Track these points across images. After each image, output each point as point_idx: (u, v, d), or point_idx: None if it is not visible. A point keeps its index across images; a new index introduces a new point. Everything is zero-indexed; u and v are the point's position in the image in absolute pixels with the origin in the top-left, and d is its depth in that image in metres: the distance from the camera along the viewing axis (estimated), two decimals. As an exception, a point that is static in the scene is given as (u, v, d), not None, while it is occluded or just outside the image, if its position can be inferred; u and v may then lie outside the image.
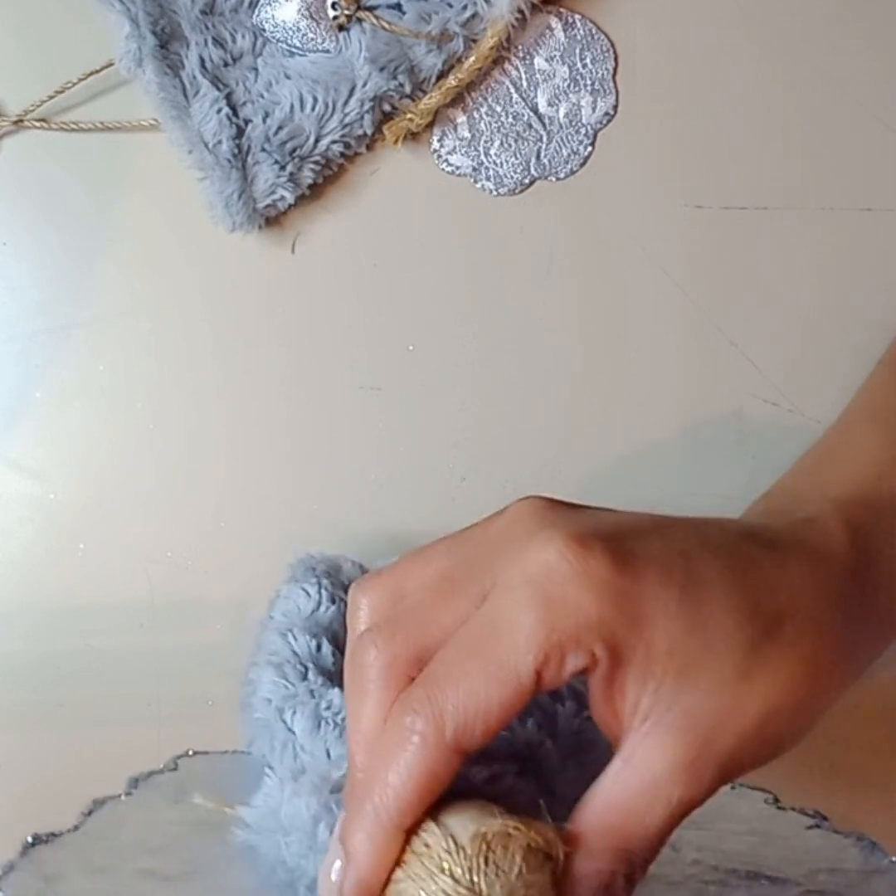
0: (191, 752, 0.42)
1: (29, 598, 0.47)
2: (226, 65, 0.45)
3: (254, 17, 0.45)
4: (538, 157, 0.47)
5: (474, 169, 0.47)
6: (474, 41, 0.45)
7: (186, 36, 0.45)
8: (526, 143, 0.47)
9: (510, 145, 0.47)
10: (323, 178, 0.46)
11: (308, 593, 0.41)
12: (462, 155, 0.47)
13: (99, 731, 0.46)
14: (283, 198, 0.45)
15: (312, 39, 0.45)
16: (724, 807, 0.36)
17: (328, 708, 0.37)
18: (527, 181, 0.47)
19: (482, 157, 0.47)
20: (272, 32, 0.45)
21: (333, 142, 0.45)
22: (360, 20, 0.45)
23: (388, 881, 0.29)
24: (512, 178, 0.47)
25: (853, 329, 0.47)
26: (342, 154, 0.46)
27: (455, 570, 0.31)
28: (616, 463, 0.47)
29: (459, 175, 0.47)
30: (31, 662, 0.47)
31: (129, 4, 0.44)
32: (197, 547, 0.47)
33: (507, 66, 0.47)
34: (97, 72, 0.46)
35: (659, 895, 0.31)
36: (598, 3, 0.47)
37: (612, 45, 0.47)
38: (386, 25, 0.44)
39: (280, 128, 0.45)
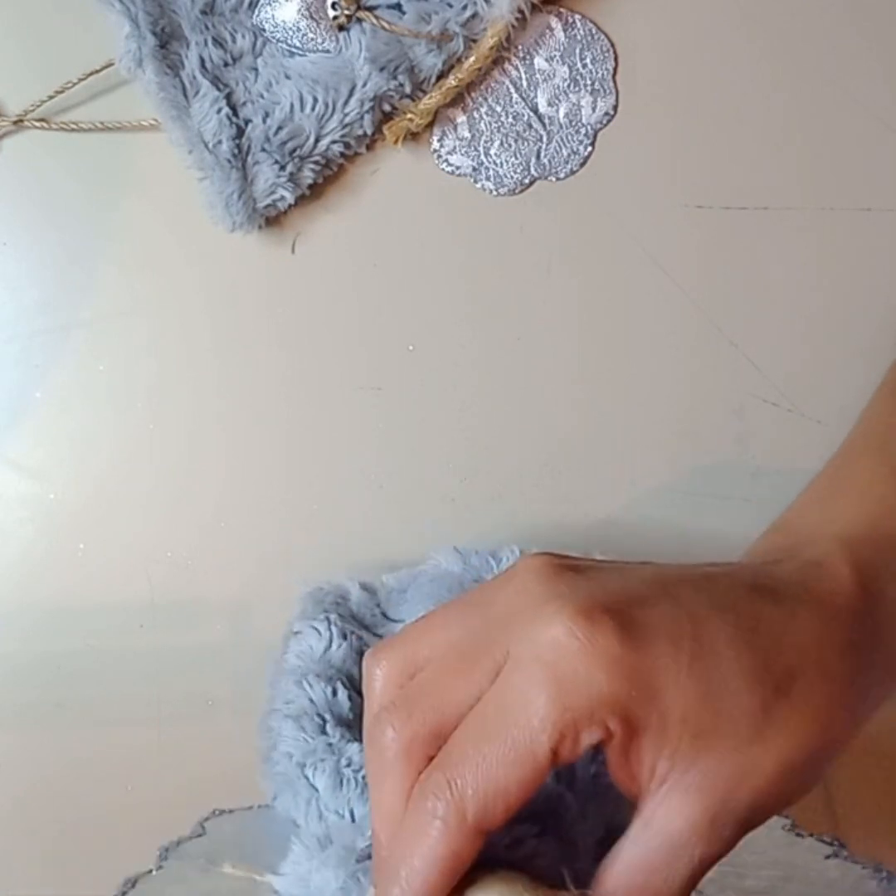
0: (217, 813, 0.42)
1: (29, 598, 0.47)
2: (226, 65, 0.45)
3: (254, 17, 0.45)
4: (538, 157, 0.47)
5: (474, 169, 0.47)
6: (474, 41, 0.45)
7: (186, 36, 0.45)
8: (526, 143, 0.47)
9: (510, 145, 0.47)
10: (323, 178, 0.46)
11: (319, 632, 0.41)
12: (462, 155, 0.47)
13: (99, 731, 0.46)
14: (283, 198, 0.45)
15: (312, 39, 0.45)
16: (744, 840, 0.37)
17: (349, 765, 0.38)
18: (527, 181, 0.47)
19: (482, 157, 0.47)
20: (272, 32, 0.45)
21: (333, 142, 0.45)
22: (360, 20, 0.45)
23: None
24: (512, 178, 0.47)
25: (853, 329, 0.47)
26: (342, 154, 0.46)
27: (466, 642, 0.31)
28: (616, 463, 0.47)
29: (459, 175, 0.47)
30: (31, 662, 0.47)
31: (129, 4, 0.44)
32: (197, 547, 0.47)
33: (507, 66, 0.47)
34: (97, 72, 0.46)
35: None
36: (598, 3, 0.47)
37: (612, 45, 0.47)
38: (386, 25, 0.44)
39: (280, 128, 0.45)
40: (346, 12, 0.44)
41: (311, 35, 0.45)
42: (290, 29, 0.45)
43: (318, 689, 0.40)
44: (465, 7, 0.45)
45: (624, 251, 0.47)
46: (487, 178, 0.47)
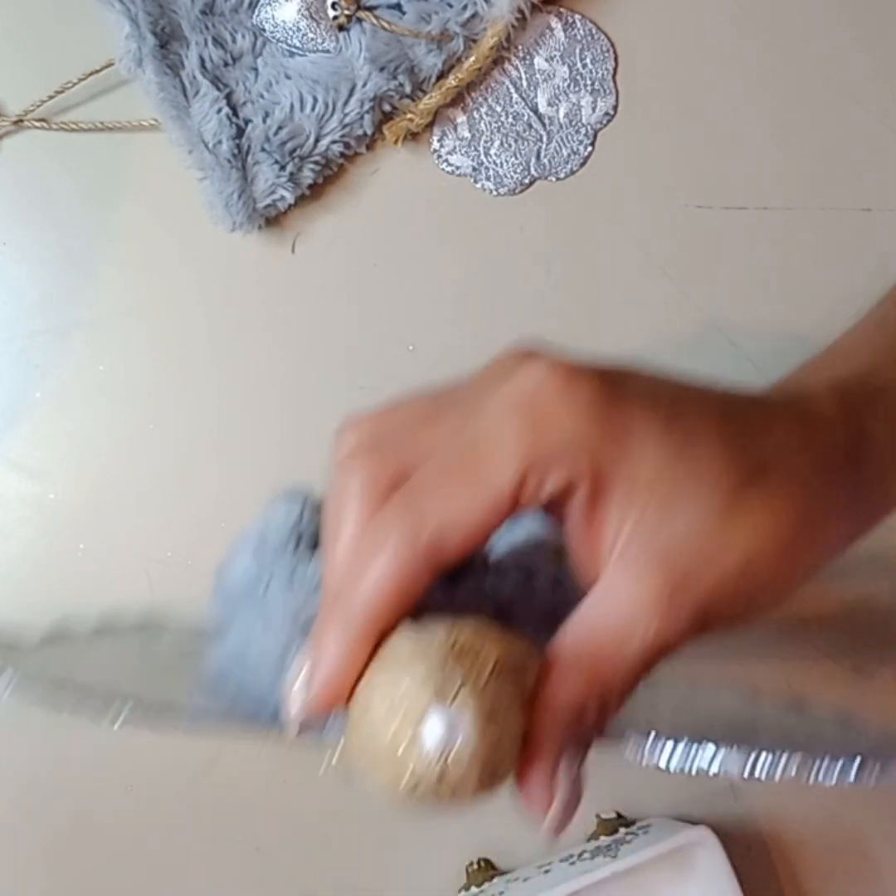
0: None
1: (29, 598, 0.47)
2: (226, 65, 0.45)
3: (254, 17, 0.45)
4: (538, 157, 0.47)
5: (474, 169, 0.47)
6: (474, 41, 0.46)
7: (186, 36, 0.45)
8: (526, 143, 0.47)
9: (510, 145, 0.47)
10: (323, 178, 0.46)
11: (288, 507, 0.39)
12: (462, 155, 0.47)
13: (99, 730, 0.46)
14: (283, 198, 0.45)
15: (312, 39, 0.45)
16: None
17: (304, 575, 0.35)
18: (527, 181, 0.47)
19: (482, 157, 0.47)
20: (272, 32, 0.45)
21: (333, 142, 0.45)
22: (360, 20, 0.45)
23: (356, 686, 0.28)
24: (512, 178, 0.47)
25: (853, 329, 0.47)
26: (342, 154, 0.46)
27: (440, 402, 0.31)
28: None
29: (459, 175, 0.47)
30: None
31: (129, 4, 0.44)
32: (197, 547, 0.47)
33: (507, 66, 0.47)
34: (97, 72, 0.46)
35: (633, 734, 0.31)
36: (598, 3, 0.47)
37: (612, 45, 0.47)
38: (386, 25, 0.44)
39: (280, 128, 0.45)
40: (346, 12, 0.44)
41: (311, 35, 0.45)
42: (290, 29, 0.45)
43: (276, 538, 0.38)
44: (465, 7, 0.45)
45: (624, 251, 0.47)
46: (487, 178, 0.47)
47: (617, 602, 0.28)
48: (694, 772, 0.29)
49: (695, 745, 0.29)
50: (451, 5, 0.45)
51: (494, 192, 0.47)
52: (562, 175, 0.47)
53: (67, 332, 0.47)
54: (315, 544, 0.36)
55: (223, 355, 0.47)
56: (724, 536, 0.28)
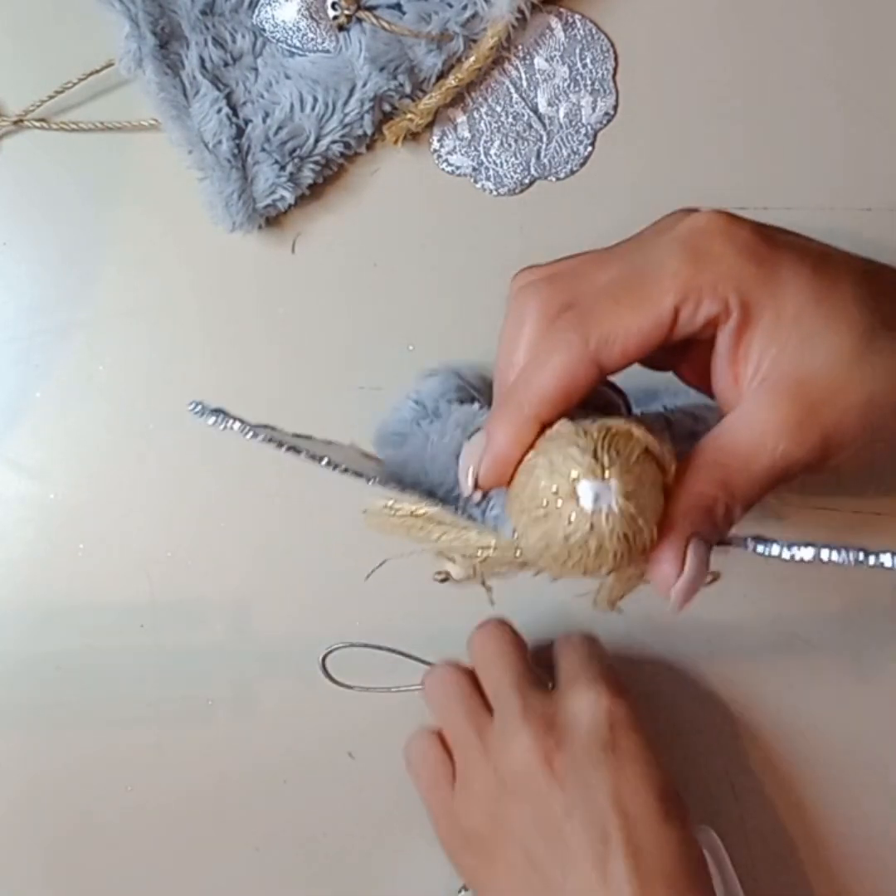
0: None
1: (29, 598, 0.47)
2: (226, 65, 0.45)
3: (254, 17, 0.45)
4: (538, 157, 0.47)
5: (474, 169, 0.47)
6: (474, 41, 0.46)
7: (186, 36, 0.45)
8: (526, 143, 0.47)
9: (510, 145, 0.47)
10: (323, 178, 0.46)
11: (440, 379, 0.44)
12: (462, 155, 0.47)
13: (99, 731, 0.46)
14: (283, 198, 0.45)
15: (312, 39, 0.45)
16: None
17: (466, 411, 0.40)
18: (527, 181, 0.47)
19: (482, 157, 0.47)
20: (272, 32, 0.45)
21: (333, 142, 0.45)
22: (360, 20, 0.45)
23: (522, 460, 0.32)
24: (512, 178, 0.47)
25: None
26: (342, 154, 0.46)
27: (610, 251, 0.35)
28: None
29: (459, 175, 0.47)
30: (31, 662, 0.47)
31: (129, 4, 0.44)
32: (197, 547, 0.47)
33: (507, 66, 0.47)
34: (97, 72, 0.46)
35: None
36: (598, 3, 0.47)
37: (612, 45, 0.47)
38: (386, 25, 0.44)
39: (280, 128, 0.45)
40: (346, 12, 0.44)
41: (311, 35, 0.45)
42: (290, 29, 0.45)
43: (432, 399, 0.43)
44: (465, 7, 0.45)
45: (624, 251, 0.47)
46: (487, 178, 0.47)
47: (752, 423, 0.32)
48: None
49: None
50: (451, 5, 0.45)
51: (494, 192, 0.47)
52: (562, 175, 0.47)
53: (67, 332, 0.47)
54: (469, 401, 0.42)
55: (223, 355, 0.47)
56: (852, 373, 0.32)
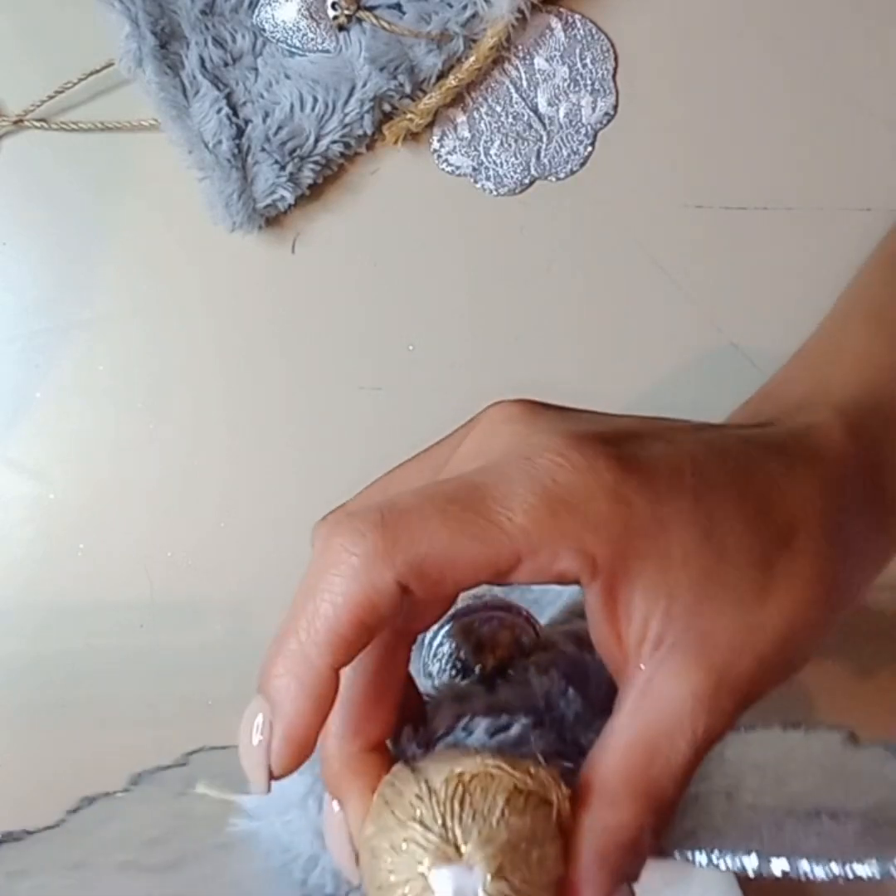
0: (206, 748, 0.40)
1: (29, 598, 0.47)
2: (226, 65, 0.45)
3: (254, 17, 0.45)
4: (538, 157, 0.47)
5: (474, 169, 0.47)
6: (474, 41, 0.45)
7: (186, 36, 0.45)
8: (526, 143, 0.47)
9: (510, 145, 0.47)
10: (323, 178, 0.46)
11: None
12: (462, 155, 0.47)
13: (99, 731, 0.46)
14: (283, 198, 0.45)
15: (312, 39, 0.45)
16: (794, 749, 0.34)
17: None
18: (527, 181, 0.47)
19: (482, 157, 0.47)
20: (272, 32, 0.45)
21: (333, 142, 0.45)
22: (360, 20, 0.45)
23: (361, 830, 0.25)
24: (512, 178, 0.47)
25: (853, 329, 0.47)
26: (342, 154, 0.46)
27: (420, 462, 0.29)
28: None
29: (459, 175, 0.47)
30: (31, 662, 0.46)
31: (129, 4, 0.44)
32: (197, 547, 0.47)
33: (507, 66, 0.47)
34: (97, 72, 0.46)
35: (704, 838, 0.28)
36: (598, 3, 0.47)
37: (612, 45, 0.47)
38: (386, 25, 0.44)
39: (280, 128, 0.45)
40: (346, 12, 0.44)
41: (311, 35, 0.45)
42: (290, 29, 0.45)
43: None
44: (465, 7, 0.45)
45: (624, 251, 0.47)
46: (487, 178, 0.47)
47: (659, 705, 0.26)
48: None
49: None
50: (451, 5, 0.45)
51: (494, 192, 0.47)
52: (562, 175, 0.47)
53: (67, 332, 0.47)
54: None
55: (223, 355, 0.47)
56: (758, 616, 0.27)
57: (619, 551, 0.25)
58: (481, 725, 0.28)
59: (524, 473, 0.25)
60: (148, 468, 0.47)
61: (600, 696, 0.31)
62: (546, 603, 0.35)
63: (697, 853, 0.27)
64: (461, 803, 0.24)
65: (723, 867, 0.26)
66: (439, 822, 0.23)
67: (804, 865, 0.25)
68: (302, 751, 0.25)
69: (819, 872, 0.25)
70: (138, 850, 0.32)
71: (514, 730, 0.28)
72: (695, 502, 0.26)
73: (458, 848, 0.23)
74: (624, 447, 0.27)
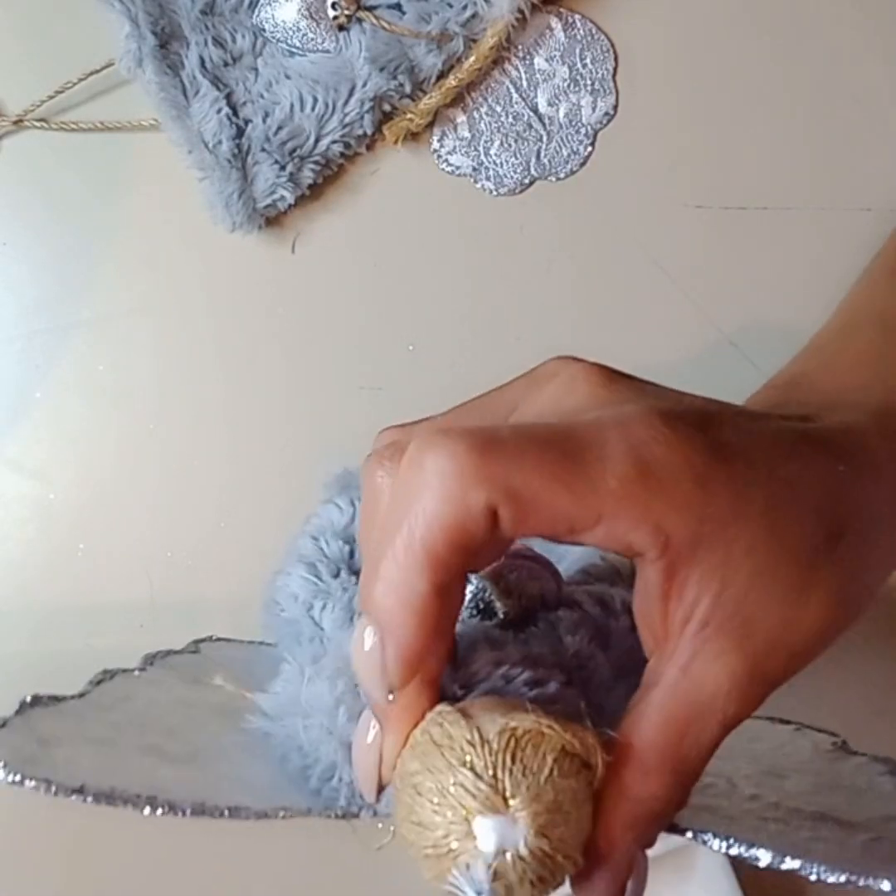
0: (214, 638, 0.40)
1: (29, 598, 0.47)
2: (226, 65, 0.45)
3: (254, 17, 0.45)
4: (538, 157, 0.47)
5: (474, 169, 0.47)
6: (474, 41, 0.45)
7: (186, 36, 0.45)
8: (526, 143, 0.47)
9: (510, 145, 0.47)
10: (323, 178, 0.46)
11: (340, 508, 0.39)
12: (462, 155, 0.47)
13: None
14: (283, 198, 0.45)
15: (312, 39, 0.45)
16: (784, 745, 0.34)
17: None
18: (527, 181, 0.47)
19: (482, 157, 0.47)
20: (272, 32, 0.45)
21: (333, 142, 0.45)
22: (360, 20, 0.45)
23: (402, 762, 0.26)
24: (512, 178, 0.47)
25: (853, 329, 0.47)
26: (342, 154, 0.46)
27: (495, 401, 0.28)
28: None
29: (459, 175, 0.47)
30: (31, 662, 0.46)
31: (129, 4, 0.44)
32: (197, 547, 0.47)
33: (507, 66, 0.47)
34: (97, 72, 0.46)
35: (710, 821, 0.29)
36: (598, 3, 0.47)
37: (612, 45, 0.47)
38: (386, 25, 0.44)
39: (280, 128, 0.45)
40: (346, 12, 0.44)
41: (311, 35, 0.45)
42: (290, 29, 0.45)
43: (335, 546, 0.38)
44: (465, 7, 0.45)
45: (624, 251, 0.47)
46: (487, 178, 0.47)
47: (698, 685, 0.27)
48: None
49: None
50: (451, 5, 0.45)
51: (494, 192, 0.47)
52: (562, 175, 0.47)
53: (67, 332, 0.47)
54: None
55: (223, 355, 0.47)
56: (798, 613, 0.27)
57: (692, 536, 0.26)
58: (521, 678, 0.28)
59: (622, 439, 0.26)
60: (148, 468, 0.47)
61: (619, 662, 0.32)
62: (554, 559, 0.35)
63: (711, 837, 0.27)
64: (513, 757, 0.24)
65: (734, 853, 0.27)
66: (490, 771, 0.24)
67: (818, 868, 0.26)
68: (416, 666, 0.26)
69: (831, 878, 0.26)
70: (159, 737, 0.32)
71: (551, 687, 0.29)
72: (767, 499, 0.27)
73: (505, 800, 0.24)
74: (709, 432, 0.27)
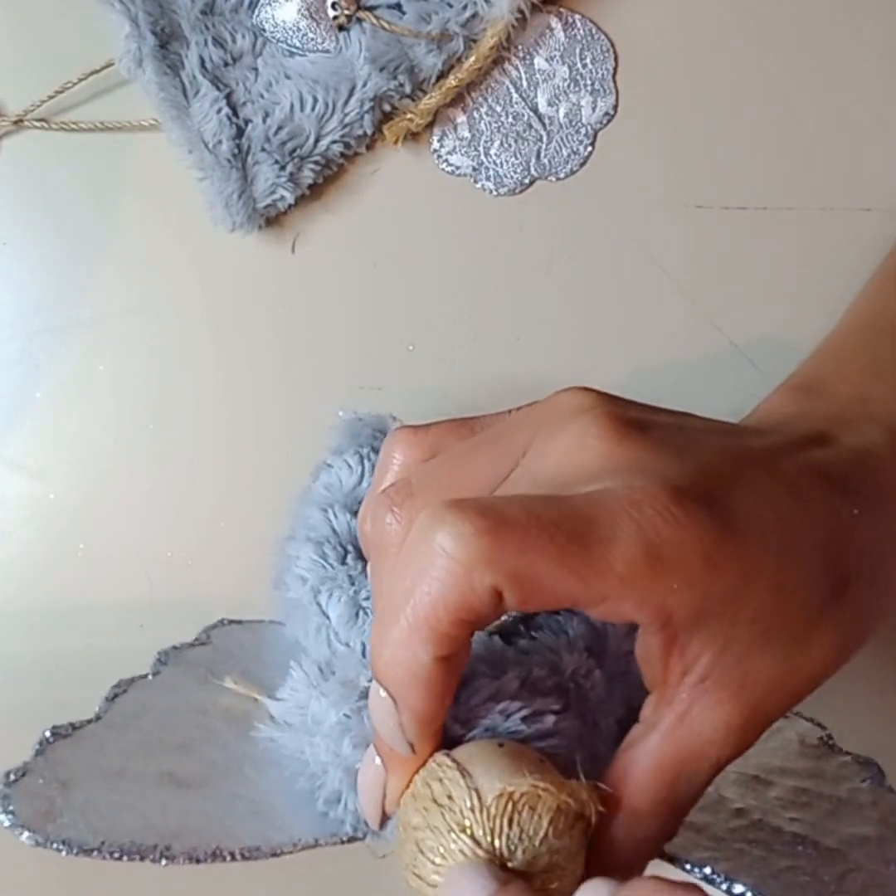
0: (224, 622, 0.40)
1: (29, 598, 0.47)
2: (226, 65, 0.45)
3: (254, 17, 0.45)
4: (538, 157, 0.47)
5: (474, 169, 0.47)
6: (474, 41, 0.45)
7: (186, 36, 0.45)
8: (526, 143, 0.47)
9: (510, 145, 0.47)
10: (323, 178, 0.46)
11: (351, 466, 0.40)
12: (462, 155, 0.47)
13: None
14: (283, 198, 0.45)
15: (312, 39, 0.45)
16: (772, 737, 0.35)
17: (368, 599, 0.35)
18: (527, 181, 0.47)
19: (482, 157, 0.47)
20: (272, 32, 0.45)
21: (333, 142, 0.45)
22: (360, 20, 0.45)
23: (405, 816, 0.27)
24: (512, 178, 0.47)
25: (853, 329, 0.47)
26: (342, 154, 0.46)
27: (507, 432, 0.29)
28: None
29: (459, 175, 0.47)
30: (31, 662, 0.46)
31: (129, 4, 0.44)
32: (197, 547, 0.47)
33: (507, 66, 0.47)
34: (97, 72, 0.46)
35: (696, 848, 0.29)
36: (598, 3, 0.47)
37: (612, 45, 0.47)
38: (386, 25, 0.44)
39: (280, 128, 0.45)
40: (346, 12, 0.44)
41: (311, 35, 0.45)
42: (290, 29, 0.45)
43: (343, 519, 0.38)
44: (465, 7, 0.45)
45: (624, 251, 0.47)
46: (487, 178, 0.47)
47: (693, 732, 0.27)
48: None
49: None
50: (451, 5, 0.45)
51: (494, 192, 0.47)
52: (562, 175, 0.47)
53: (67, 332, 0.47)
54: None
55: (223, 355, 0.47)
56: (799, 660, 0.28)
57: (695, 612, 0.26)
58: (518, 714, 0.29)
59: (631, 520, 0.26)
60: (148, 468, 0.47)
61: (617, 668, 0.33)
62: None
63: (696, 869, 0.28)
64: (510, 822, 0.25)
65: (717, 882, 0.28)
66: (488, 839, 0.25)
67: None
68: (431, 726, 0.27)
69: None
70: (173, 758, 0.32)
71: (548, 721, 0.30)
72: (776, 564, 0.27)
73: (504, 865, 0.25)
74: (718, 500, 0.27)
